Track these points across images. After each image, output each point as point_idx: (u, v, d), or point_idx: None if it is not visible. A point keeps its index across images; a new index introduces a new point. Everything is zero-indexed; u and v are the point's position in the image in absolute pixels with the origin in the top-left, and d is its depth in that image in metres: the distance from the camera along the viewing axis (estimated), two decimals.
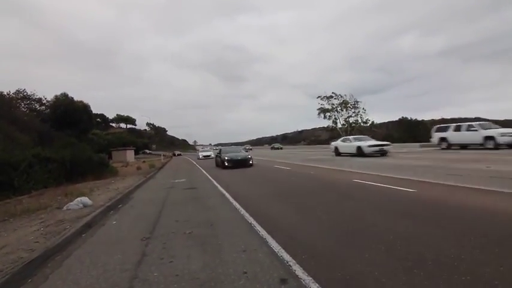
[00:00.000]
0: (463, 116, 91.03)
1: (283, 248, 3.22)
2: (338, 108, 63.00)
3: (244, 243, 3.49)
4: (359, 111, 61.43)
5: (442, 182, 6.80)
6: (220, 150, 18.38)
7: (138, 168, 21.54)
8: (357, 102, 61.75)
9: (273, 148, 59.07)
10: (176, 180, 11.82)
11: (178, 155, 63.85)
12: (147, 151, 60.43)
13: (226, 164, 15.65)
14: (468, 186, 6.15)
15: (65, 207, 6.64)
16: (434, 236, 3.32)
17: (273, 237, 3.64)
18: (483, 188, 5.85)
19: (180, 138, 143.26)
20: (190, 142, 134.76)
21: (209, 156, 32.02)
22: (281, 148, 56.52)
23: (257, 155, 30.32)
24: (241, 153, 17.17)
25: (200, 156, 33.69)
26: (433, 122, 78.77)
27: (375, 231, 3.61)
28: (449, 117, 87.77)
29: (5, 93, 25.04)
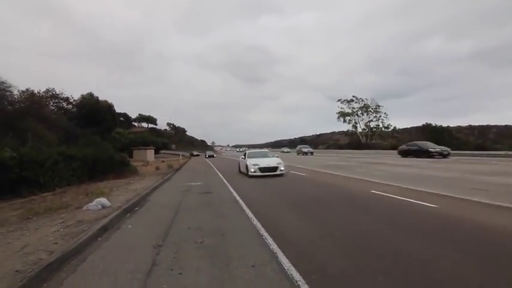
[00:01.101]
0: (492, 123, 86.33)
1: (293, 265, 3.14)
2: (359, 112, 61.78)
3: (254, 257, 3.44)
4: (380, 116, 59.99)
5: (466, 198, 6.46)
6: None
7: (157, 168, 22.04)
8: (379, 106, 60.37)
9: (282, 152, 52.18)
10: (192, 183, 11.95)
11: (209, 156, 50.06)
12: (194, 152, 59.10)
13: None
14: (496, 203, 5.80)
15: (84, 207, 6.87)
16: (455, 261, 3.13)
17: (284, 252, 3.57)
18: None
19: (199, 138, 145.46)
20: (209, 143, 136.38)
21: (276, 169, 13.36)
22: (289, 151, 52.80)
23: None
24: None
25: (251, 171, 13.39)
26: (459, 129, 75.45)
27: (391, 251, 3.46)
28: (477, 124, 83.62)
29: (36, 91, 26.35)
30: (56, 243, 4.28)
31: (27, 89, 24.77)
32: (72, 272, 3.30)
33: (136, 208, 7.07)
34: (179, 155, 41.66)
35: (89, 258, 3.70)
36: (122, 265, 3.40)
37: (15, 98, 21.23)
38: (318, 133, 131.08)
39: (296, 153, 45.06)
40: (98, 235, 4.63)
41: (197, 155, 52.57)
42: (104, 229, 4.95)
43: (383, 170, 13.84)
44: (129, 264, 3.40)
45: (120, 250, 3.97)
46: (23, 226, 5.41)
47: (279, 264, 3.24)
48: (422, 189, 7.69)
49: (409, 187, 8.22)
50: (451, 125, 68.19)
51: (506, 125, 79.59)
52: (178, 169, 21.78)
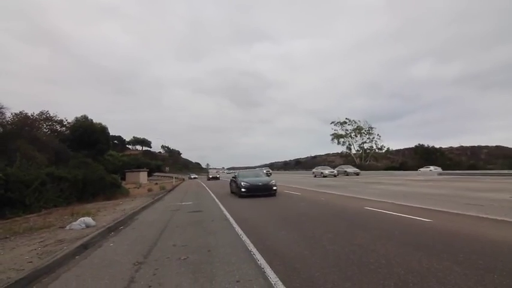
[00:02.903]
0: (483, 143, 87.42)
1: (281, 281, 2.94)
2: (352, 134, 62.34)
3: (240, 273, 3.23)
4: (374, 138, 60.52)
5: (460, 212, 6.34)
6: None
7: (149, 190, 21.61)
8: (371, 128, 61.03)
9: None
10: (183, 203, 11.64)
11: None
12: (210, 175, 49.64)
13: None
14: (491, 217, 5.70)
15: (67, 227, 6.57)
16: (452, 272, 2.97)
17: (272, 267, 3.36)
18: (507, 219, 5.40)
19: (193, 161, 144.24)
20: (203, 165, 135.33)
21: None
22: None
23: None
24: None
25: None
26: (451, 150, 76.26)
27: (384, 264, 3.29)
28: (468, 145, 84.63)
29: (29, 114, 26.22)
30: (31, 262, 4.01)
31: (20, 112, 24.66)
32: None
33: (122, 227, 6.77)
34: (172, 177, 41.01)
35: (63, 276, 3.43)
36: (96, 282, 3.16)
37: (7, 120, 21.06)
38: (313, 155, 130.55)
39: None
40: (76, 253, 4.36)
41: (213, 178, 42.42)
42: (84, 247, 4.68)
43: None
44: (104, 281, 3.16)
45: (98, 268, 3.71)
46: None
47: (266, 279, 3.03)
48: None
49: None
50: (443, 146, 69.04)
51: (497, 146, 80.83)
52: (170, 190, 21.36)
